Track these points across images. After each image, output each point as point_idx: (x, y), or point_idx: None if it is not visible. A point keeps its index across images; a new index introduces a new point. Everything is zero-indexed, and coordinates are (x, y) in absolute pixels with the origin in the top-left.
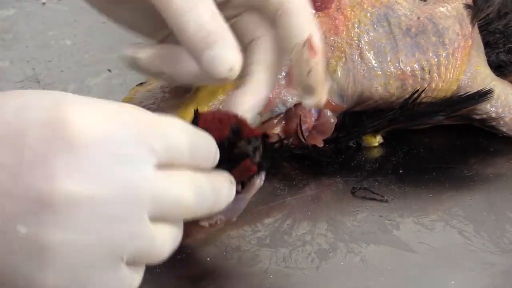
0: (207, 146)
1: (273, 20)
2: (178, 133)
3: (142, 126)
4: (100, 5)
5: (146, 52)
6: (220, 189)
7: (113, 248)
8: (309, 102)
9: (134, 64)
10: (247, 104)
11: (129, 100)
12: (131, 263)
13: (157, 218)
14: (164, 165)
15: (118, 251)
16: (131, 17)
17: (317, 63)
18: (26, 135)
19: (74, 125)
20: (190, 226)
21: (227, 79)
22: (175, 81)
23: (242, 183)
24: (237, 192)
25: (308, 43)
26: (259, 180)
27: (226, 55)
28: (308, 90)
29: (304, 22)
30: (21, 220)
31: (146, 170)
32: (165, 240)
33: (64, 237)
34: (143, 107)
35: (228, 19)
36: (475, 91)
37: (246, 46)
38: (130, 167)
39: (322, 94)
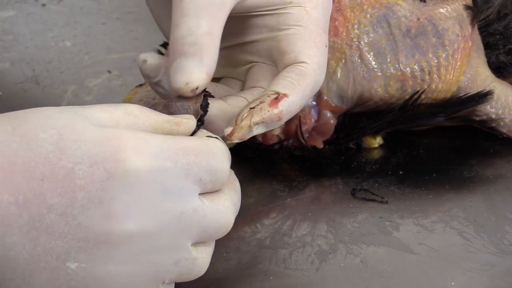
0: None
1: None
2: (221, 160)
3: (191, 158)
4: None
5: (154, 59)
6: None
7: (158, 274)
8: (225, 129)
9: (141, 66)
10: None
11: (128, 100)
12: (170, 282)
13: (200, 242)
14: (208, 190)
15: (162, 276)
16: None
17: (261, 114)
18: (76, 177)
19: (126, 164)
20: None
21: (180, 90)
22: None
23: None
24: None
25: (278, 97)
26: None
27: (193, 71)
28: (234, 120)
29: (295, 84)
30: (72, 257)
31: (194, 202)
32: (204, 260)
33: (115, 269)
34: (144, 102)
35: (245, 61)
36: (475, 92)
37: (247, 89)
38: (179, 199)
39: (236, 132)
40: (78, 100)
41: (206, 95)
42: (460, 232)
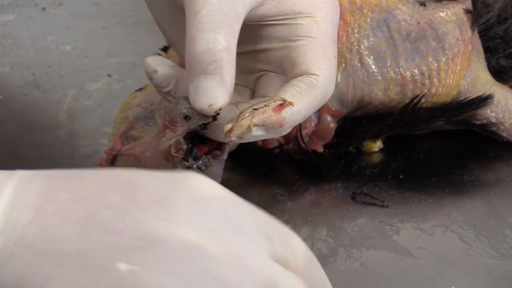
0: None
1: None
2: (298, 242)
3: (267, 224)
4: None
5: (165, 68)
6: None
7: None
8: (225, 126)
9: (152, 76)
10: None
11: (127, 104)
12: None
13: None
14: (278, 261)
15: None
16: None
17: (263, 116)
18: (139, 186)
19: (195, 183)
20: None
21: (203, 111)
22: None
23: (217, 148)
24: (216, 157)
25: (283, 104)
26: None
27: (216, 91)
28: (236, 118)
29: (303, 95)
30: (123, 257)
31: (263, 253)
32: None
33: (164, 281)
34: (141, 108)
35: (254, 70)
36: (475, 96)
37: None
38: (250, 239)
39: (235, 129)
40: (78, 104)
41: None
42: (460, 236)
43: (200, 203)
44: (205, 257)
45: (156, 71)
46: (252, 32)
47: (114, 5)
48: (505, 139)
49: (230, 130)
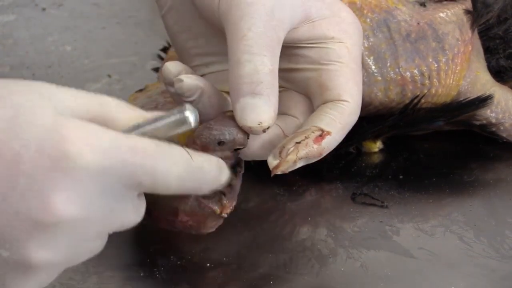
0: (203, 174)
1: (317, 106)
2: (169, 166)
3: (138, 161)
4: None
5: (192, 79)
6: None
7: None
8: (269, 160)
9: (176, 84)
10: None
11: None
12: None
13: None
14: (148, 191)
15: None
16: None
17: (307, 150)
18: (21, 160)
19: (72, 157)
20: (204, 216)
21: (252, 129)
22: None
23: (237, 165)
24: (238, 173)
25: (323, 135)
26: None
27: (264, 111)
28: (279, 151)
29: (337, 123)
30: (4, 245)
31: (126, 203)
32: None
33: (45, 256)
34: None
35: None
36: (475, 96)
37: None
38: (115, 199)
39: (282, 165)
40: None
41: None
42: (460, 236)
43: (77, 183)
44: (75, 230)
45: (181, 80)
46: (283, 54)
47: (114, 6)
48: (505, 140)
49: (277, 166)
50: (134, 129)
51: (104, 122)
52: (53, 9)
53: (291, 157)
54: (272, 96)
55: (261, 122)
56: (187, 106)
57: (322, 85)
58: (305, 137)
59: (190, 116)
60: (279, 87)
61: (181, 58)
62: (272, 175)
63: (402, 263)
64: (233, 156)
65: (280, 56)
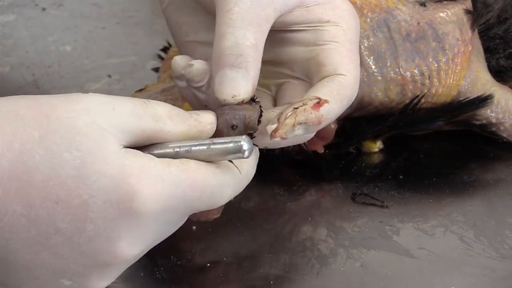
0: (248, 180)
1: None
2: (222, 195)
3: (197, 194)
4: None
5: (200, 63)
6: None
7: None
8: (268, 126)
9: (187, 69)
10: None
11: None
12: None
13: None
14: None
15: None
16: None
17: (305, 114)
18: (89, 209)
19: (139, 206)
20: None
21: (226, 101)
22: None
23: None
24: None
25: (320, 102)
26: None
27: (240, 83)
28: (277, 118)
29: (335, 93)
30: (68, 276)
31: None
32: None
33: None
34: None
35: (276, 76)
36: (475, 96)
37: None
38: (171, 225)
39: (280, 128)
40: None
41: (260, 106)
42: (460, 236)
43: (143, 227)
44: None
45: (192, 65)
46: (277, 38)
47: (114, 6)
48: (505, 140)
49: (275, 130)
50: (186, 148)
51: (158, 138)
52: (53, 9)
53: (289, 121)
54: (251, 69)
55: (235, 95)
56: (244, 137)
57: (319, 64)
58: (303, 103)
59: (245, 145)
60: (281, 76)
61: (183, 51)
62: (271, 139)
63: (402, 263)
64: None
65: (277, 43)
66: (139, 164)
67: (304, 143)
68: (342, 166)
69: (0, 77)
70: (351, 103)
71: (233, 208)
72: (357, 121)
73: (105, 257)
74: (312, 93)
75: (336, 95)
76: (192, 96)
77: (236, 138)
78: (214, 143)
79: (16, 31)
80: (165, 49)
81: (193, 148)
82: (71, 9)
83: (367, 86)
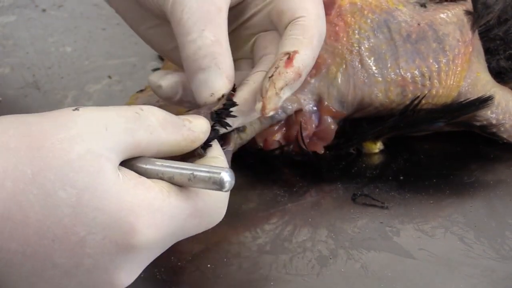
0: None
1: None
2: (218, 218)
3: (196, 222)
4: (124, 14)
5: (168, 80)
6: None
7: None
8: (256, 106)
9: (158, 91)
10: (242, 96)
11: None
12: None
13: None
14: None
15: None
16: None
17: (282, 78)
18: (87, 245)
19: (137, 241)
20: None
21: (207, 102)
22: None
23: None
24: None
25: (291, 56)
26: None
27: (214, 81)
28: (260, 94)
29: (301, 39)
30: None
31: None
32: None
33: None
34: None
35: (248, 37)
36: (475, 97)
37: (258, 61)
38: (167, 246)
39: (267, 104)
40: (78, 105)
41: (227, 97)
42: (461, 237)
43: (141, 258)
44: None
45: (160, 86)
46: (237, 6)
47: None
48: (505, 141)
49: (263, 108)
50: (169, 176)
51: (152, 149)
52: (53, 10)
53: (271, 93)
54: (221, 63)
55: (212, 93)
56: (227, 170)
57: (278, 13)
58: (275, 68)
59: (226, 179)
60: (252, 36)
61: (145, 41)
62: (263, 116)
63: (402, 264)
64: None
65: (239, 9)
66: (139, 198)
67: (304, 144)
68: (342, 167)
69: (0, 78)
70: (322, 41)
71: (233, 209)
72: (358, 122)
73: (102, 287)
74: (280, 49)
75: (303, 40)
76: (178, 104)
77: (218, 169)
78: (195, 177)
79: (16, 32)
80: None
81: (175, 177)
82: (71, 10)
83: (367, 87)
